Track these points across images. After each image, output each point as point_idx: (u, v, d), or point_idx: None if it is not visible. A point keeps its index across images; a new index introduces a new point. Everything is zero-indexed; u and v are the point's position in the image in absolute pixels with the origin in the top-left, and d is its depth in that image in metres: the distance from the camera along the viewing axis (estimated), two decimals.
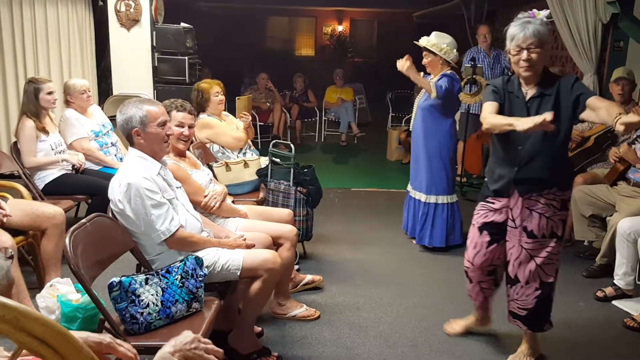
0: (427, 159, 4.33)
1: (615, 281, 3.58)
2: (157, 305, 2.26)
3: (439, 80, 4.16)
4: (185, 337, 1.54)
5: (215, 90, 4.12)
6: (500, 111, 2.61)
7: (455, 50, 4.24)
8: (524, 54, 2.49)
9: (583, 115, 2.48)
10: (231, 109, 4.50)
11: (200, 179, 3.11)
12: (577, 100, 2.48)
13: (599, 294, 3.59)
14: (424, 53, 4.24)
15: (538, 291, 2.71)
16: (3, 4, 5.61)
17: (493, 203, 2.75)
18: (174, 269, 2.38)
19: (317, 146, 8.82)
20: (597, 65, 5.63)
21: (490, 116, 2.57)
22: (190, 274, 2.40)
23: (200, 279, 2.42)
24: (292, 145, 4.11)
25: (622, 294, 3.56)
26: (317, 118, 9.00)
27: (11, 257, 1.43)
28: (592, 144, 4.48)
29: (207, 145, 4.14)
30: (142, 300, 2.23)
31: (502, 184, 2.68)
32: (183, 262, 2.42)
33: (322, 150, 8.60)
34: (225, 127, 4.18)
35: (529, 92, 2.59)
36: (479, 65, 5.94)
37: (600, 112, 2.36)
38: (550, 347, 3.02)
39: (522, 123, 2.32)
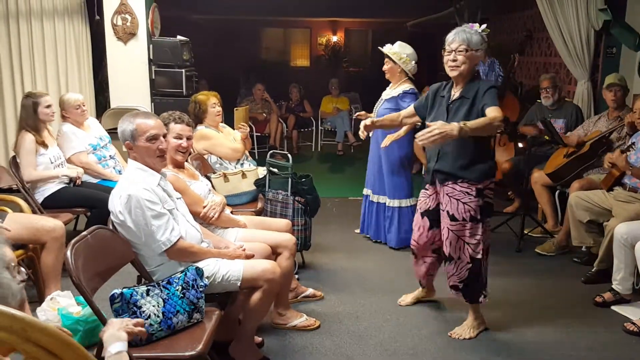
0: (389, 165, 4.52)
1: (613, 286, 3.59)
2: (158, 317, 2.27)
3: (404, 101, 4.29)
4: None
5: (212, 101, 4.15)
6: (421, 114, 3.27)
7: (414, 62, 4.40)
8: (452, 55, 2.91)
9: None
10: (228, 119, 4.53)
11: (199, 190, 3.13)
12: (482, 109, 2.86)
13: (598, 299, 3.61)
14: (385, 60, 4.41)
15: (470, 264, 3.07)
16: (0, 19, 5.64)
17: (427, 190, 3.22)
18: (174, 280, 2.39)
19: (314, 156, 8.84)
20: (591, 71, 5.68)
21: (402, 113, 3.46)
22: (190, 284, 2.41)
23: (200, 289, 2.43)
24: (289, 155, 4.13)
25: (620, 299, 3.57)
26: (314, 128, 9.04)
27: (24, 281, 1.45)
28: (588, 150, 4.51)
29: (205, 156, 4.16)
30: (144, 311, 2.24)
31: (429, 175, 3.16)
32: (184, 272, 2.43)
33: (319, 159, 8.63)
34: (223, 138, 4.20)
35: (455, 94, 3.00)
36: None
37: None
38: (550, 353, 3.03)
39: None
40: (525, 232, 4.72)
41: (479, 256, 3.05)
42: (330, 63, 15.35)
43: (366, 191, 4.82)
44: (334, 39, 15.85)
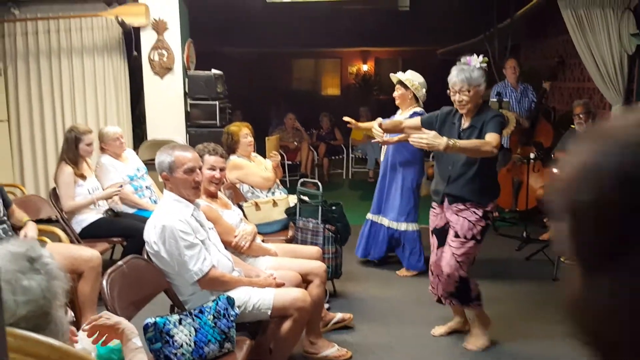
0: (400, 189, 4.60)
1: None
2: (190, 346, 2.30)
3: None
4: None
5: (244, 132, 4.23)
6: (429, 129, 3.22)
7: (424, 90, 4.51)
8: (457, 96, 3.09)
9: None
10: (261, 149, 4.61)
11: (230, 219, 3.18)
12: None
13: None
14: (397, 86, 4.52)
15: (457, 283, 3.22)
16: (43, 55, 5.90)
17: (435, 209, 3.36)
18: (206, 309, 2.43)
19: (345, 183, 8.86)
20: (625, 96, 5.60)
21: (405, 121, 3.67)
22: (222, 313, 2.44)
23: (232, 318, 2.46)
24: (319, 184, 4.16)
25: None
26: (344, 155, 9.08)
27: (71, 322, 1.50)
28: None
29: (237, 185, 4.23)
30: (176, 340, 2.27)
31: (438, 196, 3.28)
32: (215, 302, 2.47)
33: (350, 187, 8.64)
34: (255, 167, 4.27)
35: (465, 123, 3.18)
36: (505, 99, 5.95)
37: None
38: None
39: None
40: (562, 259, 4.61)
41: (463, 273, 3.18)
42: (360, 91, 15.46)
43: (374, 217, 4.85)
44: (364, 68, 15.99)
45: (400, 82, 4.50)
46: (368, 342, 3.45)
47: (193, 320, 2.36)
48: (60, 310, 1.24)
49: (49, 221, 4.17)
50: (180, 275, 2.54)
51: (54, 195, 4.18)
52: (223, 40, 12.26)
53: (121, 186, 4.19)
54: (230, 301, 2.51)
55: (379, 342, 3.45)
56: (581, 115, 5.06)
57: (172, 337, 2.27)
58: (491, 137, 2.99)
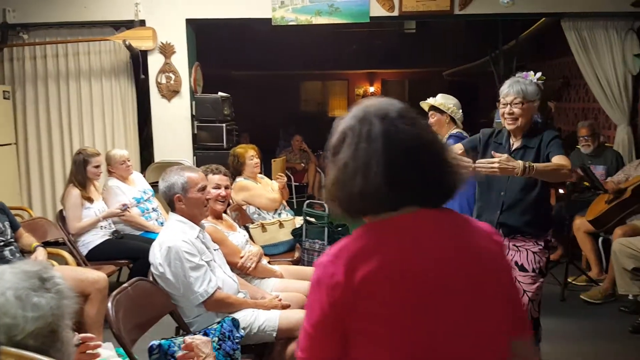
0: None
1: None
2: None
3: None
4: None
5: (250, 154, 4.27)
6: (470, 154, 2.90)
7: (460, 111, 4.25)
8: (508, 108, 2.79)
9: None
10: (268, 170, 4.63)
11: (236, 241, 3.19)
12: (547, 157, 2.75)
13: None
14: (431, 113, 4.23)
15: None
16: (51, 79, 5.98)
17: None
18: (211, 331, 2.43)
19: None
20: (630, 116, 5.61)
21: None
22: (227, 335, 2.43)
23: (237, 340, 2.46)
24: (325, 205, 4.17)
25: None
26: None
27: (77, 345, 1.51)
28: (630, 196, 4.41)
29: (244, 207, 4.25)
30: None
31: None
32: (220, 324, 2.47)
33: None
34: (261, 189, 4.30)
35: (515, 143, 2.88)
36: None
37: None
38: None
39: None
40: (570, 280, 4.59)
41: (537, 316, 2.85)
42: None
43: None
44: (371, 89, 16.09)
45: (434, 108, 4.21)
46: None
47: None
48: (67, 331, 1.26)
49: (55, 244, 4.20)
50: (186, 296, 2.55)
51: (61, 217, 4.21)
52: (230, 63, 12.41)
53: (126, 207, 4.21)
54: (236, 323, 2.51)
55: None
56: (587, 138, 5.04)
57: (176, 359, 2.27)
58: (563, 159, 2.67)
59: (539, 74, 2.88)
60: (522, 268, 2.80)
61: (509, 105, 2.79)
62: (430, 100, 4.27)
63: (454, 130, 4.19)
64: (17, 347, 1.16)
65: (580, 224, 4.72)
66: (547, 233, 2.87)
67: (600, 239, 4.72)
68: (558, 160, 2.67)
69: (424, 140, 1.20)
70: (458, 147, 3.16)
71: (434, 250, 1.16)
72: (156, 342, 2.27)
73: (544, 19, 6.84)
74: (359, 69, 15.35)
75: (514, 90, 2.78)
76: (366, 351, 1.14)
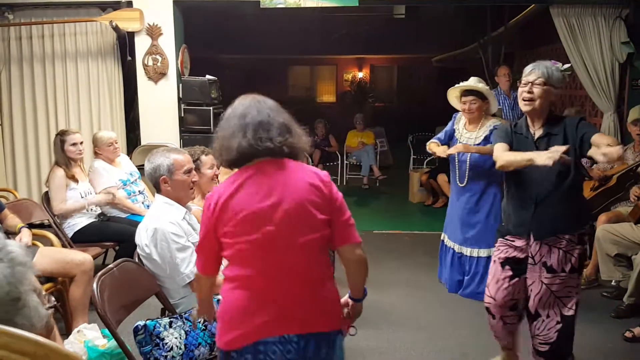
0: (486, 214, 4.12)
1: None
2: (180, 349, 2.30)
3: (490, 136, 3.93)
4: None
5: None
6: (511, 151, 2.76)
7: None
8: (528, 87, 2.67)
9: (590, 153, 2.56)
10: None
11: None
12: (582, 139, 2.61)
13: (628, 334, 3.52)
14: (469, 99, 3.95)
15: (559, 325, 2.74)
16: (37, 60, 5.90)
17: (513, 241, 2.82)
18: None
19: (339, 189, 8.83)
20: (617, 103, 5.65)
21: (505, 154, 2.73)
22: None
23: None
24: None
25: None
26: (339, 162, 9.11)
27: (52, 307, 1.51)
28: (615, 183, 4.46)
29: None
30: (166, 343, 2.28)
31: (520, 227, 2.77)
32: None
33: (345, 193, 8.49)
34: None
35: (537, 132, 2.74)
36: (498, 107, 5.98)
37: (602, 148, 2.45)
38: None
39: (540, 157, 2.44)
40: None
41: (571, 313, 2.73)
42: (355, 99, 15.52)
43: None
44: (360, 75, 16.07)
45: (474, 93, 3.92)
46: (359, 347, 3.45)
47: (183, 323, 2.37)
48: (31, 295, 1.26)
49: (41, 226, 4.17)
50: (172, 278, 2.54)
51: (47, 199, 4.18)
52: (218, 46, 12.31)
53: (114, 196, 4.21)
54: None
55: (371, 347, 3.46)
56: None
57: (162, 339, 2.27)
58: (604, 137, 2.54)
59: (567, 65, 2.77)
60: (550, 269, 2.70)
61: (529, 84, 2.67)
62: (471, 83, 3.99)
63: (496, 122, 4.01)
64: None
65: None
66: (582, 227, 2.75)
67: None
68: (600, 137, 2.54)
69: (271, 117, 1.85)
70: (504, 146, 2.80)
71: (266, 182, 1.79)
72: (141, 323, 2.27)
73: (532, 5, 6.85)
74: (347, 54, 15.32)
75: (539, 70, 2.66)
76: (227, 249, 1.82)
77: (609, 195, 4.50)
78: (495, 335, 3.04)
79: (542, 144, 2.68)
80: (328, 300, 1.89)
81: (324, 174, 1.91)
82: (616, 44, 5.49)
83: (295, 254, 1.79)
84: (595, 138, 2.54)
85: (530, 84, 2.67)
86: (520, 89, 2.72)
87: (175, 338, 2.30)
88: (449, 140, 4.23)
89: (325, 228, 1.84)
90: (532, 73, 2.68)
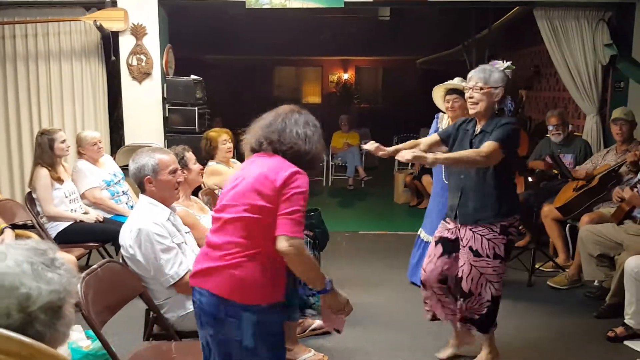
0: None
1: (625, 320, 3.54)
2: None
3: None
4: None
5: (223, 138, 4.23)
6: (446, 143, 3.16)
7: None
8: (469, 92, 2.96)
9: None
10: (240, 155, 4.59)
11: (208, 224, 3.17)
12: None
13: (610, 334, 3.56)
14: (452, 97, 4.05)
15: (489, 302, 3.03)
16: (20, 59, 5.83)
17: (448, 223, 3.16)
18: None
19: (325, 190, 8.88)
20: (599, 105, 5.72)
21: (423, 140, 3.28)
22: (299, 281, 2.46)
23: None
24: None
25: (633, 334, 3.51)
26: (324, 163, 9.12)
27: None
28: (597, 184, 4.51)
29: (216, 191, 4.22)
30: None
31: (451, 212, 3.12)
32: None
33: (330, 194, 8.67)
34: (233, 173, 4.26)
35: (478, 129, 3.02)
36: None
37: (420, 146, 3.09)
38: None
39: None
40: (537, 266, 4.69)
41: (499, 293, 3.04)
42: (341, 100, 15.55)
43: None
44: (345, 76, 16.10)
45: (455, 91, 4.02)
46: (345, 347, 3.46)
47: None
48: (70, 310, 1.27)
49: (24, 226, 4.11)
50: (156, 279, 2.52)
51: (30, 199, 4.13)
52: (203, 47, 12.25)
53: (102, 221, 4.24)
54: None
55: (356, 347, 3.46)
56: (558, 127, 5.08)
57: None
58: (488, 146, 2.78)
59: (507, 63, 3.02)
60: (476, 253, 2.97)
61: (470, 90, 2.94)
62: (456, 82, 4.10)
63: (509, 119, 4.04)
64: (27, 318, 1.17)
65: (549, 211, 4.82)
66: (505, 219, 2.94)
67: (567, 226, 4.83)
68: (484, 146, 2.80)
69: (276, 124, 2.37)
70: (434, 137, 3.27)
71: (248, 167, 2.20)
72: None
73: (516, 7, 6.92)
74: (333, 56, 15.33)
75: (476, 75, 2.93)
76: None
77: (591, 195, 4.54)
78: (427, 309, 3.28)
79: (476, 140, 2.96)
80: (237, 277, 2.04)
81: (290, 173, 2.09)
82: (599, 46, 5.56)
83: (223, 225, 2.11)
84: (483, 145, 2.82)
85: (470, 89, 2.94)
86: (466, 93, 2.99)
87: None
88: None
89: (261, 213, 2.04)
90: (471, 79, 2.94)
